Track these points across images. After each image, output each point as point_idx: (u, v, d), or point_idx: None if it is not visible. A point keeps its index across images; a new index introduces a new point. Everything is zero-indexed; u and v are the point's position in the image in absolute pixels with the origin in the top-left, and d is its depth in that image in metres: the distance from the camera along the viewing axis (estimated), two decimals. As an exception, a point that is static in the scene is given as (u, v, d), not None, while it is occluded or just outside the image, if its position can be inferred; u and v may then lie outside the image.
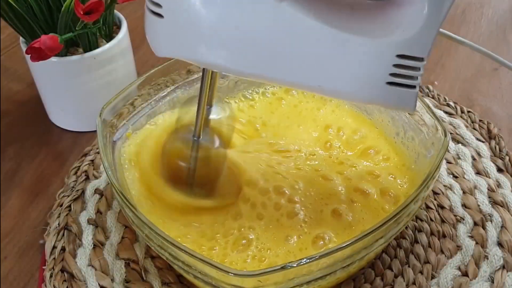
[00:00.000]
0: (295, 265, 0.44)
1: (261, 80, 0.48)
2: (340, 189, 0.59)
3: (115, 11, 0.75)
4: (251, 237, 0.55)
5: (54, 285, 0.58)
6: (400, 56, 0.44)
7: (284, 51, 0.44)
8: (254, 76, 0.46)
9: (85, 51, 0.71)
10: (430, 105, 0.60)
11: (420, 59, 0.44)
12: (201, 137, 0.57)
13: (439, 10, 0.43)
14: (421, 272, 0.59)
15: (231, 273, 0.44)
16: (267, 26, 0.44)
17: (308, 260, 0.45)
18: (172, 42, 0.46)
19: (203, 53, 0.45)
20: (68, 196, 0.66)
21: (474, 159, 0.70)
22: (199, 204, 0.58)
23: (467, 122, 0.76)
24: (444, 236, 0.62)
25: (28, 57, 0.66)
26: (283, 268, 0.44)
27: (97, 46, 0.72)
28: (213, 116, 0.59)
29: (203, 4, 0.43)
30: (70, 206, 0.65)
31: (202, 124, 0.56)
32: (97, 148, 0.72)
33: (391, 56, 0.44)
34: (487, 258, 0.60)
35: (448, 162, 0.70)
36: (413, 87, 0.45)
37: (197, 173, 0.59)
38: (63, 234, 0.62)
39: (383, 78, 0.44)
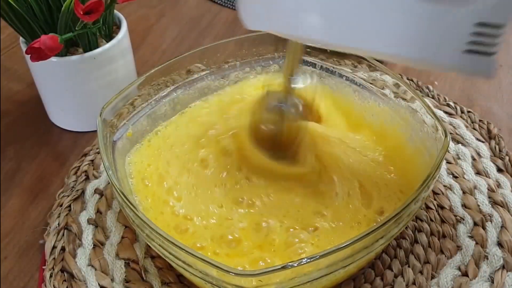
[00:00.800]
0: (295, 264, 0.45)
1: (343, 49, 0.51)
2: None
3: (115, 11, 0.75)
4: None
5: (54, 285, 0.58)
6: (480, 24, 0.44)
7: (367, 20, 0.46)
8: (338, 46, 0.49)
9: (85, 51, 0.71)
10: (430, 105, 0.60)
11: (501, 26, 0.44)
12: (287, 103, 0.60)
13: None
14: (421, 272, 0.59)
15: (232, 272, 0.44)
16: None
17: (308, 260, 0.45)
18: (262, 15, 0.49)
19: (292, 26, 0.48)
20: (68, 196, 0.66)
21: (474, 159, 0.70)
22: (281, 169, 0.62)
23: (467, 122, 0.76)
24: (444, 236, 0.62)
25: (28, 57, 0.66)
26: (283, 267, 0.44)
27: (97, 46, 0.72)
28: (297, 85, 0.61)
29: None
30: (70, 206, 0.65)
31: (288, 91, 0.60)
32: (97, 148, 0.72)
33: (470, 24, 0.44)
34: (487, 258, 0.60)
35: (448, 162, 0.70)
36: (492, 54, 0.45)
37: (282, 138, 0.61)
38: (63, 234, 0.62)
39: (462, 46, 0.45)
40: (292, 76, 0.59)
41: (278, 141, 0.61)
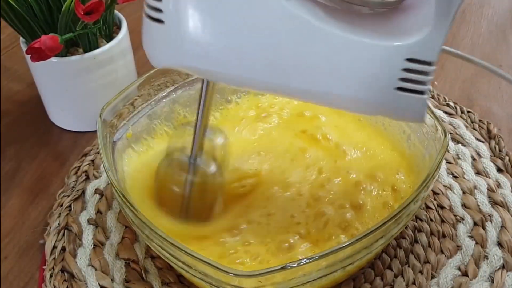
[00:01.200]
0: (295, 265, 0.45)
1: (265, 90, 0.47)
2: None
3: (115, 11, 0.75)
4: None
5: (54, 285, 0.58)
6: (409, 60, 0.43)
7: (290, 55, 0.43)
8: (257, 84, 0.45)
9: (85, 51, 0.71)
10: (430, 105, 0.60)
11: (429, 63, 0.44)
12: (198, 160, 0.55)
13: (447, 13, 0.43)
14: (421, 272, 0.59)
15: (231, 273, 0.44)
16: (273, 28, 0.42)
17: (308, 261, 0.45)
18: (172, 50, 0.44)
19: (206, 60, 0.43)
20: (68, 196, 0.66)
21: (474, 159, 0.71)
22: (195, 231, 0.57)
23: (466, 122, 0.76)
24: (444, 236, 0.62)
25: (28, 57, 0.66)
26: (283, 268, 0.44)
27: (97, 46, 0.72)
28: (207, 140, 0.56)
29: (209, 6, 0.42)
30: (70, 206, 0.66)
31: (199, 146, 0.55)
32: (97, 148, 0.72)
33: (400, 60, 0.43)
34: (487, 258, 0.60)
35: (448, 162, 0.70)
36: (422, 93, 0.45)
37: (193, 198, 0.57)
38: (63, 234, 0.62)
39: (392, 83, 0.44)
40: (206, 127, 0.54)
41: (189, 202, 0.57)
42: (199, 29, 0.42)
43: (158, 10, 0.43)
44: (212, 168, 0.56)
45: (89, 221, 0.64)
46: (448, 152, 0.71)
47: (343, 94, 0.44)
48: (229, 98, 0.71)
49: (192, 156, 0.55)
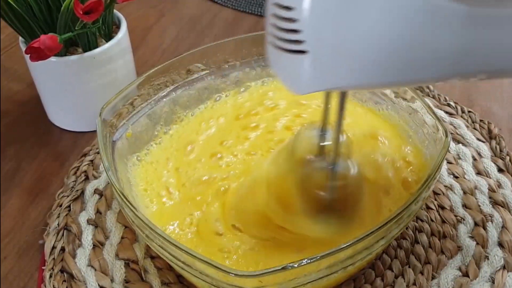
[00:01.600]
0: (296, 265, 0.44)
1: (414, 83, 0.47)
2: None
3: (115, 10, 0.75)
4: None
5: (53, 285, 0.58)
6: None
7: (444, 48, 0.40)
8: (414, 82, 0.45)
9: (85, 51, 0.71)
10: (431, 105, 0.60)
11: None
12: (337, 164, 0.53)
13: None
14: (422, 273, 0.59)
15: (232, 273, 0.44)
16: (423, 27, 0.40)
17: (309, 261, 0.45)
18: (322, 75, 0.42)
19: (356, 76, 0.41)
20: (68, 196, 0.66)
21: (474, 159, 0.71)
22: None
23: (467, 122, 0.76)
24: (444, 236, 0.62)
25: (27, 57, 0.66)
26: (284, 268, 0.44)
27: (96, 46, 0.72)
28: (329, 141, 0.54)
29: (352, 22, 0.39)
30: (69, 206, 0.65)
31: (338, 150, 0.53)
32: (96, 148, 0.72)
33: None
34: (488, 259, 0.60)
35: (449, 162, 0.70)
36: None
37: (339, 203, 0.56)
38: (63, 234, 0.62)
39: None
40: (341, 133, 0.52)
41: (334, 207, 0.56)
42: (347, 49, 0.40)
43: (299, 42, 0.40)
44: (352, 169, 0.55)
45: (88, 221, 0.64)
46: (449, 152, 0.71)
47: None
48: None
49: (333, 162, 0.53)
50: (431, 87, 0.82)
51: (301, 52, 0.40)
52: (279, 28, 0.41)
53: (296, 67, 0.42)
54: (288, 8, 0.39)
